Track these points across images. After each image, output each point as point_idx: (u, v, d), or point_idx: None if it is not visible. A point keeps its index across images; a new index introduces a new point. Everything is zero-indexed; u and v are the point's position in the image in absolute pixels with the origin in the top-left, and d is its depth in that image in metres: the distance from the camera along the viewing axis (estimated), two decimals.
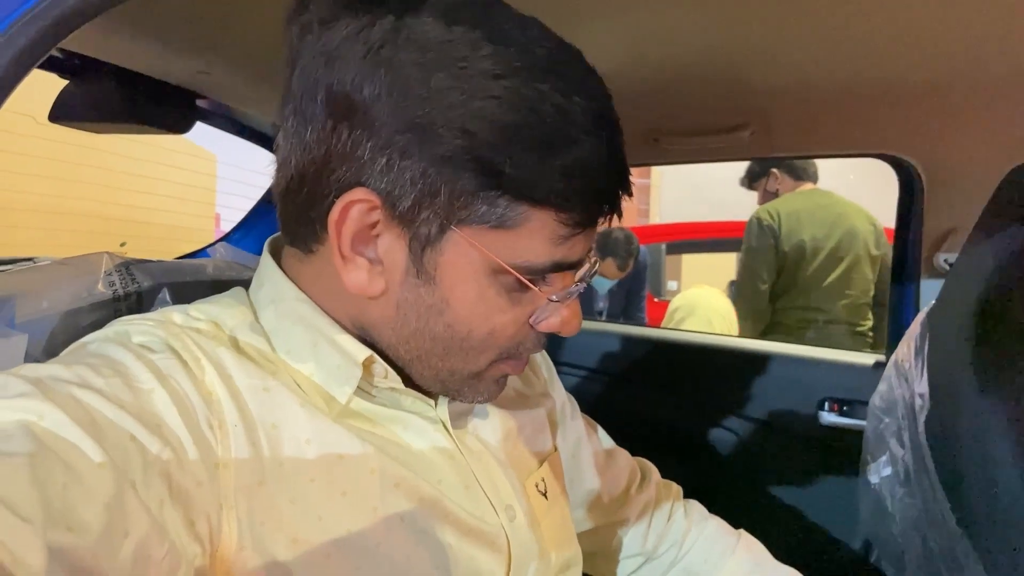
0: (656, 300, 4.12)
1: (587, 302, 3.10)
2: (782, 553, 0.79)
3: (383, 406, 0.53)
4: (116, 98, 0.97)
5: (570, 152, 0.45)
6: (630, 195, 0.51)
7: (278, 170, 0.50)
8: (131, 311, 0.64)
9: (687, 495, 0.86)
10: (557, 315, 0.52)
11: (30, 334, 0.56)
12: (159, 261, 0.71)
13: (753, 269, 2.24)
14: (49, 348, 0.57)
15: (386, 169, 0.44)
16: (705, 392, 1.52)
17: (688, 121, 1.14)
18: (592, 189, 0.47)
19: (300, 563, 0.45)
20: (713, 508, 0.84)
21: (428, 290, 0.48)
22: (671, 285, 4.71)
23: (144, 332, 0.48)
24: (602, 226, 0.51)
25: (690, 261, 5.68)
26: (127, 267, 0.66)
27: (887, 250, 2.17)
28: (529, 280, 0.48)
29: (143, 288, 0.66)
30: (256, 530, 0.44)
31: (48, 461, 0.35)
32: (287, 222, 0.51)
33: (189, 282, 0.69)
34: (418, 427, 0.54)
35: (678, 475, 0.86)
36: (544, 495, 0.63)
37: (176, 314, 0.52)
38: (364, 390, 0.52)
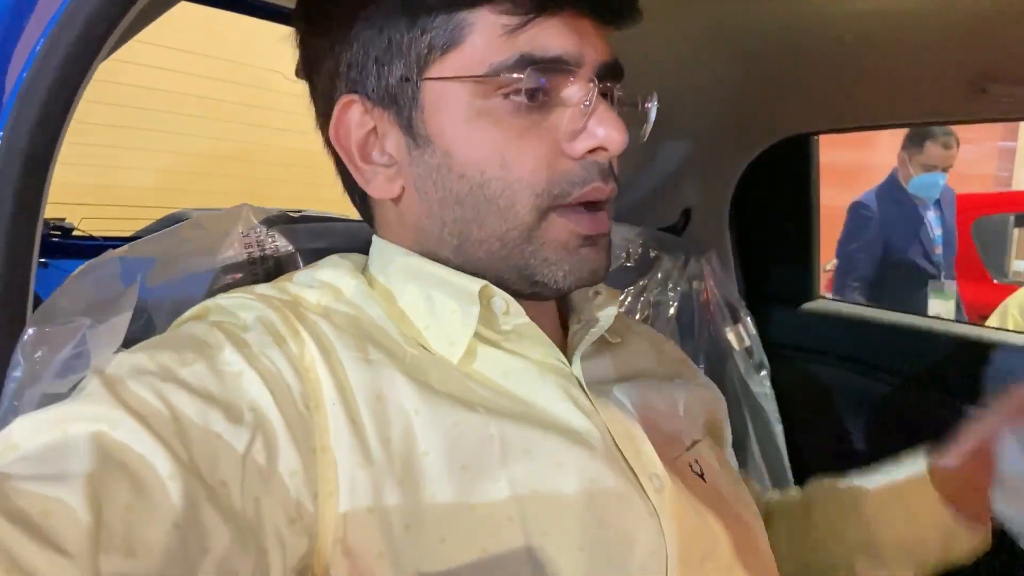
0: (995, 282, 3.51)
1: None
2: None
3: (511, 354, 0.49)
4: None
5: None
6: None
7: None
8: (268, 276, 0.59)
9: None
10: (589, 129, 0.46)
11: (159, 300, 0.55)
12: (309, 219, 0.64)
13: None
14: (177, 314, 0.53)
15: (348, 65, 0.47)
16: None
17: None
18: None
19: (411, 549, 0.40)
20: None
21: (429, 152, 0.47)
22: (1018, 265, 3.92)
23: (240, 307, 0.46)
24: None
25: None
26: (268, 227, 0.61)
27: None
28: (513, 85, 0.45)
29: (281, 254, 0.60)
30: (361, 517, 0.40)
31: (111, 480, 0.33)
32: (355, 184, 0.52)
33: (339, 246, 0.60)
34: (550, 382, 0.49)
35: None
36: (701, 476, 0.54)
37: (293, 280, 0.51)
38: (486, 339, 0.49)
